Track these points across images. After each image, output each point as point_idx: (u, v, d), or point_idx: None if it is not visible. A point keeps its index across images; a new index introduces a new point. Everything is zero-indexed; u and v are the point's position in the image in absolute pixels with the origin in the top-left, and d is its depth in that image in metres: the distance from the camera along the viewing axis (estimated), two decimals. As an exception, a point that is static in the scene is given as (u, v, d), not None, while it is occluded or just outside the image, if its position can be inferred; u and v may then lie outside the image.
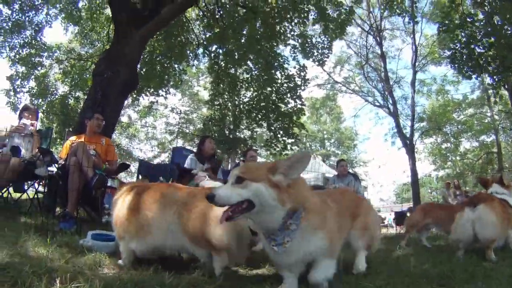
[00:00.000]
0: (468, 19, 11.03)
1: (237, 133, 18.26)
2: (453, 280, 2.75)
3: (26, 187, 6.13)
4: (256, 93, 13.86)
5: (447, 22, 11.44)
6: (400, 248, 5.16)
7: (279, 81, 13.29)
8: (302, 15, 12.41)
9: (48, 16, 14.84)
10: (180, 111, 29.47)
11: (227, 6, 13.18)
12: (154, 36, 12.15)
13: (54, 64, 17.77)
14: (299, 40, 13.28)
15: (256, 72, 13.52)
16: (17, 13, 13.79)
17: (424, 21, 24.84)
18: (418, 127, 27.10)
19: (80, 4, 15.51)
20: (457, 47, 11.35)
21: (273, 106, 13.41)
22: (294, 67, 13.50)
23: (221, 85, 14.49)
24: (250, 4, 12.39)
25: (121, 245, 3.04)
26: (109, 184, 5.23)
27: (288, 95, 13.47)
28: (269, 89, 13.44)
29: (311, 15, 12.83)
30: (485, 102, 26.52)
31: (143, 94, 15.31)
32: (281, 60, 13.04)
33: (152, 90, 14.96)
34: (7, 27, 13.87)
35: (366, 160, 39.37)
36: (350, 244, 2.90)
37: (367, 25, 25.66)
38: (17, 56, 15.20)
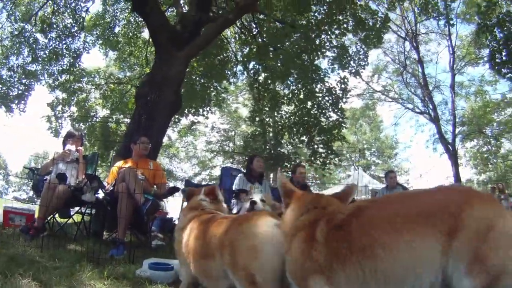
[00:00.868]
0: (506, 18, 10.56)
1: (279, 149, 17.99)
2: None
3: (72, 212, 6.02)
4: (297, 107, 13.57)
5: (484, 22, 10.96)
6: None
7: (320, 94, 12.97)
8: (342, 26, 12.13)
9: (86, 44, 15.18)
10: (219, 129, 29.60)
11: (264, 22, 13.05)
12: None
13: (93, 89, 18.07)
14: (337, 52, 12.95)
15: (296, 86, 13.27)
16: (53, 41, 14.14)
17: (459, 21, 24.21)
18: (460, 131, 26.19)
19: (117, 30, 15.79)
20: (495, 47, 10.98)
21: (314, 121, 13.06)
22: (335, 80, 13.16)
23: (262, 101, 14.34)
24: (286, 19, 12.25)
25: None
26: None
27: (330, 108, 13.12)
28: (310, 103, 13.14)
29: (350, 26, 12.51)
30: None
31: (184, 115, 15.31)
32: (321, 74, 12.71)
33: (193, 110, 14.97)
34: (44, 55, 14.26)
35: (407, 168, 38.22)
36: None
37: (403, 30, 25.24)
38: (56, 83, 15.49)
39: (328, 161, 13.27)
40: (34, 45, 14.18)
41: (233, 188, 6.47)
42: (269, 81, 13.35)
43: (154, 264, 3.44)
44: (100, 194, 5.61)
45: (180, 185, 9.17)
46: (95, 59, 37.94)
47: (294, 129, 13.70)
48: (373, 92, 29.60)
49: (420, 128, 39.54)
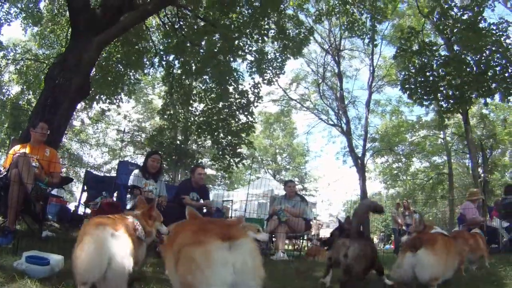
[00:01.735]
0: (426, 47, 11.14)
1: (185, 146, 17.79)
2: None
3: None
4: (208, 107, 13.69)
5: (405, 47, 11.48)
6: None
7: (233, 96, 13.10)
8: (262, 32, 12.28)
9: (9, 15, 14.34)
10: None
11: (188, 17, 13.02)
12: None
13: (9, 63, 17.09)
14: (256, 56, 13.11)
15: (210, 85, 13.36)
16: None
17: (384, 43, 25.59)
18: (370, 147, 27.79)
19: (42, 5, 15.02)
20: (411, 73, 11.38)
21: (224, 122, 13.24)
22: (249, 83, 13.40)
23: (175, 95, 14.28)
24: (210, 17, 12.29)
25: None
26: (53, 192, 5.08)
27: (240, 111, 13.32)
28: (221, 103, 13.27)
29: (271, 33, 12.70)
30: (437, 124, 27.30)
31: (95, 101, 14.84)
32: (236, 75, 12.86)
33: (104, 97, 14.44)
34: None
35: (316, 176, 39.68)
36: None
37: (327, 43, 25.93)
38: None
39: (232, 164, 13.46)
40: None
41: (128, 184, 6.52)
42: (183, 77, 13.35)
43: (31, 257, 3.30)
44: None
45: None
46: (16, 32, 35.54)
47: (203, 127, 13.70)
48: (289, 100, 29.99)
49: (332, 139, 41.54)
